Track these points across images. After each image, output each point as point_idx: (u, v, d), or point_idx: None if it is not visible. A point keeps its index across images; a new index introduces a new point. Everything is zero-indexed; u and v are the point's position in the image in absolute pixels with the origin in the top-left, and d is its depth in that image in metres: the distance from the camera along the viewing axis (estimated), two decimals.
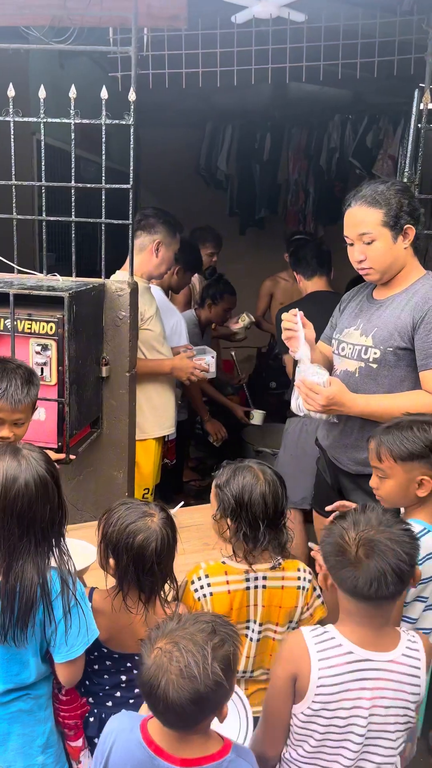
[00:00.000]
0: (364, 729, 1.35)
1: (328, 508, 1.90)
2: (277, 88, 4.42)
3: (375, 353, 2.03)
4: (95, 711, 1.55)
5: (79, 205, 2.48)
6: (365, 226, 1.98)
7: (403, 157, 2.85)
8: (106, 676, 1.56)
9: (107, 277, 2.55)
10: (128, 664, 1.52)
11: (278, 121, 5.25)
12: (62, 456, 2.24)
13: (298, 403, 2.14)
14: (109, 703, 1.58)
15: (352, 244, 2.04)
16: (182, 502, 2.55)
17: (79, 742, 1.56)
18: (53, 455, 2.18)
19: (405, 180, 2.30)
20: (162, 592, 1.53)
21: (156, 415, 2.84)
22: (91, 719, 1.57)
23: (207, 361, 3.28)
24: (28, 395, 1.82)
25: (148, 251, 2.82)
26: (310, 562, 1.71)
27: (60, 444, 2.25)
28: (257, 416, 3.95)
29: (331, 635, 1.38)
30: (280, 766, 1.46)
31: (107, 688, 1.56)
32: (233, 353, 5.09)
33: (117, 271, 2.75)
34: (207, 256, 4.17)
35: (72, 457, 2.29)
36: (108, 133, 2.38)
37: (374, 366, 2.03)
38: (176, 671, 1.10)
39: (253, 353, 5.75)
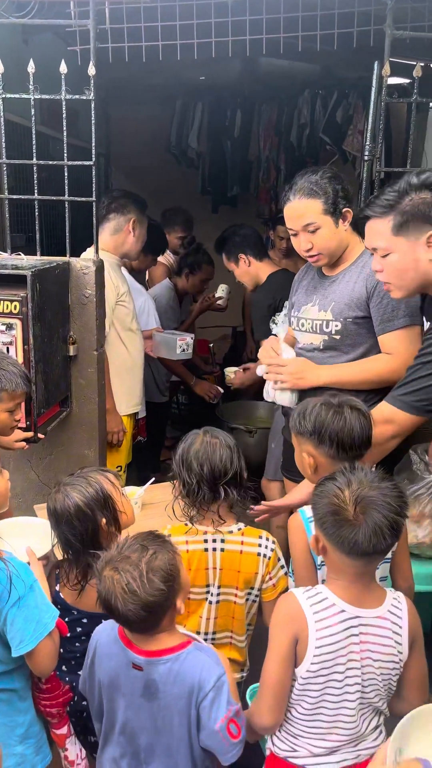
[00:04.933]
0: (359, 681, 1.42)
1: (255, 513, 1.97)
2: (246, 63, 4.39)
3: (336, 325, 2.15)
4: (67, 679, 1.58)
5: (50, 184, 2.47)
6: (308, 217, 2.10)
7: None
8: (77, 644, 1.61)
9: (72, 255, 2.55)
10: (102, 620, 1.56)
11: (248, 96, 5.21)
12: (30, 434, 2.25)
13: (267, 388, 2.29)
14: (81, 672, 1.61)
15: (296, 235, 2.16)
16: (153, 479, 2.57)
17: (64, 730, 1.60)
18: (21, 434, 2.20)
19: (367, 154, 2.31)
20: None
21: (124, 393, 2.86)
22: (69, 693, 1.60)
23: (188, 342, 3.31)
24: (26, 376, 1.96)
25: (125, 231, 2.86)
26: None
27: (28, 423, 2.25)
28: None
29: (324, 595, 1.43)
30: (287, 728, 1.50)
31: (78, 655, 1.60)
32: (212, 345, 5.10)
33: (87, 249, 2.75)
34: (177, 239, 4.16)
35: (41, 436, 2.30)
36: (75, 110, 2.36)
37: (337, 337, 2.15)
38: (120, 590, 1.29)
39: (228, 332, 5.77)
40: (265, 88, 4.97)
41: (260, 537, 1.71)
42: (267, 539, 1.72)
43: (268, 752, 1.55)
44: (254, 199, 5.59)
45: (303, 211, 2.11)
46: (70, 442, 2.61)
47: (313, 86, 4.92)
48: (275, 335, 2.40)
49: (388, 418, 1.80)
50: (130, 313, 2.87)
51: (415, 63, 2.26)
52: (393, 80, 3.43)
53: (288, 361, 2.11)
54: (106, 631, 1.45)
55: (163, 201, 4.43)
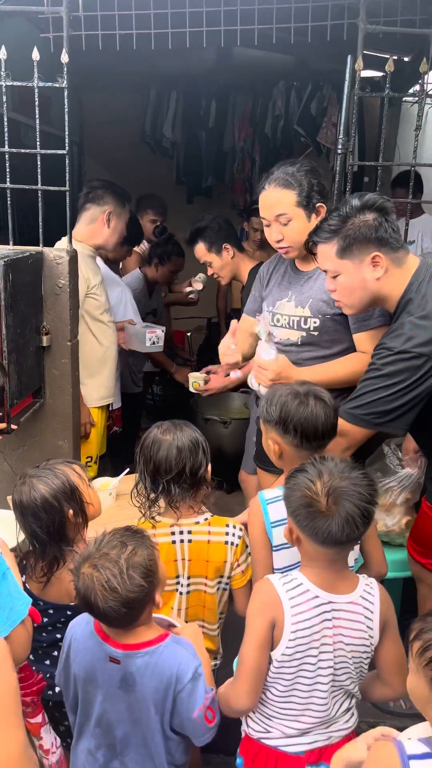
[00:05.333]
0: (332, 664, 1.46)
1: None
2: (220, 52, 4.37)
3: (315, 322, 2.17)
4: (34, 668, 1.59)
5: (22, 172, 2.44)
6: (281, 208, 2.11)
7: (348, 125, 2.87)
8: (44, 634, 1.62)
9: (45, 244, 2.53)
10: (62, 619, 1.57)
11: (223, 86, 5.19)
12: (4, 425, 2.23)
13: (250, 377, 2.28)
14: (48, 662, 1.62)
15: (269, 225, 2.17)
16: (127, 470, 2.58)
17: (39, 718, 1.59)
18: None
19: (340, 147, 2.33)
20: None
21: (95, 384, 2.86)
22: (43, 683, 1.61)
23: (158, 334, 3.30)
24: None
25: (99, 222, 2.83)
26: None
27: (1, 414, 2.24)
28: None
29: (299, 581, 1.46)
30: (261, 710, 1.53)
31: (45, 645, 1.61)
32: (189, 334, 5.10)
33: (62, 239, 2.73)
34: (149, 223, 4.12)
35: (14, 427, 2.28)
36: (49, 98, 2.34)
37: (315, 334, 2.18)
38: (100, 588, 1.29)
39: (203, 324, 5.77)
40: (240, 78, 4.97)
41: (227, 526, 1.74)
42: (234, 527, 1.74)
43: (243, 734, 1.58)
44: (229, 190, 5.59)
45: (276, 201, 2.12)
46: (44, 434, 2.60)
47: (288, 78, 4.92)
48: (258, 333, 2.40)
49: (341, 431, 1.82)
50: (102, 305, 2.85)
51: (388, 57, 2.28)
52: (367, 73, 3.47)
53: (269, 363, 2.10)
54: (81, 626, 1.46)
55: (137, 191, 4.39)
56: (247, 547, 1.75)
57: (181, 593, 1.71)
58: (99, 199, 2.83)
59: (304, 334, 2.19)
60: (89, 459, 2.87)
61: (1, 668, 1.05)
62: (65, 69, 2.29)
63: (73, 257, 2.48)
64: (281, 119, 4.94)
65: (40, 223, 2.46)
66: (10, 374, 2.20)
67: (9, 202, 2.44)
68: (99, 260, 3.12)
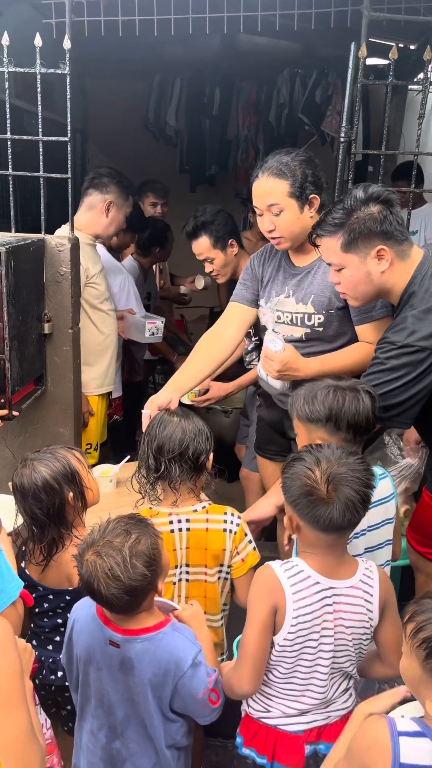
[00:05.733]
0: (332, 647, 1.47)
1: None
2: (224, 39, 4.33)
3: (319, 318, 2.15)
4: (36, 653, 1.61)
5: (24, 159, 2.44)
6: (272, 197, 2.07)
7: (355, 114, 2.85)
8: (45, 619, 1.63)
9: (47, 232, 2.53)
10: (62, 604, 1.59)
11: (227, 74, 5.15)
12: (5, 412, 2.25)
13: (259, 367, 2.26)
14: (50, 647, 1.64)
15: (261, 215, 2.13)
16: (128, 457, 2.60)
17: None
18: None
19: (343, 136, 2.32)
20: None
21: (94, 373, 2.87)
22: (35, 664, 1.63)
23: (157, 326, 3.30)
24: None
25: (98, 210, 2.81)
26: None
27: (2, 400, 2.25)
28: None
29: (300, 568, 1.47)
30: (263, 690, 1.55)
31: (47, 630, 1.62)
32: (183, 316, 5.09)
33: (62, 226, 2.73)
34: (149, 206, 4.08)
35: (15, 413, 2.30)
36: (51, 84, 2.33)
37: (320, 329, 2.16)
38: (103, 575, 1.30)
39: (205, 313, 5.77)
40: (244, 65, 4.92)
41: (225, 513, 1.73)
42: (232, 515, 1.74)
43: (243, 713, 1.61)
44: (232, 178, 5.56)
45: (268, 191, 2.08)
46: (45, 420, 2.61)
47: (293, 65, 4.88)
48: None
49: None
50: (101, 294, 2.85)
51: (393, 44, 2.26)
52: (372, 61, 3.43)
53: (276, 355, 2.07)
54: (84, 608, 1.48)
55: (140, 179, 4.37)
56: (246, 534, 1.75)
57: (180, 580, 1.71)
58: (103, 186, 2.82)
59: (308, 330, 2.17)
60: (89, 446, 2.89)
61: (3, 648, 1.05)
62: (68, 55, 2.28)
63: (75, 245, 2.48)
64: (285, 107, 4.90)
65: (42, 210, 2.46)
66: (11, 361, 2.20)
67: (12, 189, 2.43)
68: (101, 248, 3.12)
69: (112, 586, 1.30)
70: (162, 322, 3.32)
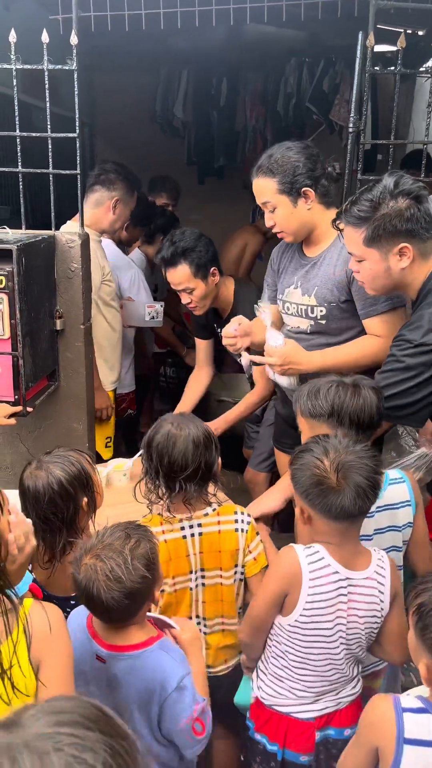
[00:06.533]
0: (344, 636, 1.49)
1: None
2: (231, 30, 4.31)
3: (321, 311, 2.13)
4: None
5: (36, 156, 2.45)
6: (264, 196, 2.09)
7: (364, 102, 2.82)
8: None
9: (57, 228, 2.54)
10: (67, 609, 1.58)
11: (234, 65, 5.12)
12: (19, 409, 2.27)
13: (267, 367, 2.22)
14: None
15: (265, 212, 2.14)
16: (141, 451, 2.61)
17: None
18: (10, 408, 2.22)
19: (351, 126, 2.30)
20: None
21: (110, 368, 2.89)
22: None
23: (156, 309, 3.28)
24: None
25: (105, 207, 2.83)
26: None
27: (17, 397, 2.27)
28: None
29: (321, 555, 1.48)
30: (267, 671, 1.59)
31: None
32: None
33: (68, 222, 2.74)
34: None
35: (29, 409, 2.32)
36: (58, 79, 2.33)
37: (323, 322, 2.14)
38: (104, 578, 1.28)
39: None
40: (251, 55, 4.89)
41: (235, 513, 1.72)
42: (242, 513, 1.73)
43: (253, 699, 1.62)
44: (241, 170, 5.54)
45: (260, 190, 2.10)
46: (59, 416, 2.63)
47: (300, 54, 4.84)
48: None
49: None
50: (113, 290, 2.88)
51: (401, 30, 2.24)
52: (381, 48, 3.39)
53: (275, 350, 2.06)
54: (77, 619, 1.45)
55: (148, 172, 4.37)
56: (257, 533, 1.74)
57: (194, 587, 1.69)
58: (110, 183, 2.82)
59: (312, 322, 2.16)
60: (108, 439, 2.91)
61: (61, 633, 1.09)
62: (74, 51, 2.28)
63: (85, 241, 2.49)
64: (293, 97, 4.87)
65: (52, 207, 2.47)
66: (25, 357, 2.22)
67: (21, 186, 2.44)
68: (110, 242, 3.13)
69: (114, 589, 1.27)
70: (161, 306, 3.29)
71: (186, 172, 5.41)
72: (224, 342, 2.27)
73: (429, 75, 2.30)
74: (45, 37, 2.26)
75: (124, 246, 3.53)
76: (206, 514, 1.69)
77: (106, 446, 3.00)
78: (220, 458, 1.68)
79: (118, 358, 2.99)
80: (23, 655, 1.09)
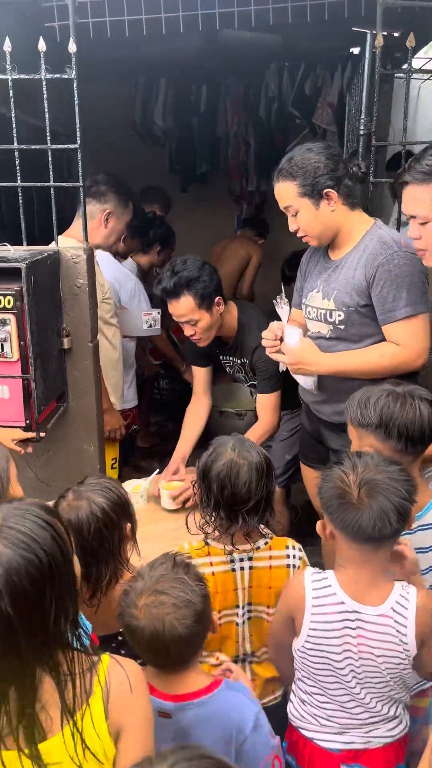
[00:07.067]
0: (356, 672, 1.43)
1: None
2: (208, 35, 4.25)
3: (340, 315, 2.07)
4: None
5: (11, 169, 2.34)
6: (286, 200, 2.04)
7: (354, 105, 2.79)
8: None
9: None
10: (113, 645, 1.50)
11: (212, 71, 5.07)
12: (33, 435, 2.16)
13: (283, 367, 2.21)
14: None
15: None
16: (157, 470, 2.53)
17: None
18: (22, 434, 2.12)
19: (362, 128, 2.26)
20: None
21: (112, 387, 2.80)
22: None
23: (154, 316, 3.20)
24: None
25: (97, 221, 2.71)
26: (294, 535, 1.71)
27: (28, 422, 2.17)
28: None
29: (329, 582, 1.42)
30: (296, 693, 1.56)
31: None
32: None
33: (60, 237, 2.63)
34: None
35: (42, 434, 2.22)
36: (37, 89, 2.24)
37: (342, 327, 2.07)
38: (171, 608, 1.18)
39: None
40: (230, 61, 4.85)
41: (287, 547, 1.64)
42: (293, 548, 1.65)
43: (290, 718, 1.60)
44: (224, 175, 5.49)
45: (282, 194, 2.05)
46: (69, 438, 2.53)
47: (279, 58, 4.81)
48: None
49: None
50: (112, 308, 2.78)
51: (375, 33, 2.18)
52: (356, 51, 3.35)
53: (288, 350, 2.02)
54: None
55: (131, 182, 4.27)
56: (308, 566, 1.66)
57: (239, 624, 1.62)
58: (101, 195, 2.72)
59: (331, 327, 2.10)
60: (114, 460, 2.82)
61: (143, 693, 1.01)
62: (73, 59, 2.20)
63: (90, 255, 2.40)
64: (275, 101, 4.84)
65: (54, 221, 2.38)
66: (37, 380, 2.12)
67: (21, 201, 2.34)
68: (108, 255, 3.04)
69: (187, 616, 1.20)
70: (158, 313, 3.20)
71: (169, 180, 5.34)
72: (264, 343, 2.18)
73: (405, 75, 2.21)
74: (42, 46, 2.18)
75: (120, 258, 3.44)
76: (258, 548, 1.60)
77: (112, 467, 2.90)
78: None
79: (121, 375, 2.90)
80: (99, 717, 0.99)
